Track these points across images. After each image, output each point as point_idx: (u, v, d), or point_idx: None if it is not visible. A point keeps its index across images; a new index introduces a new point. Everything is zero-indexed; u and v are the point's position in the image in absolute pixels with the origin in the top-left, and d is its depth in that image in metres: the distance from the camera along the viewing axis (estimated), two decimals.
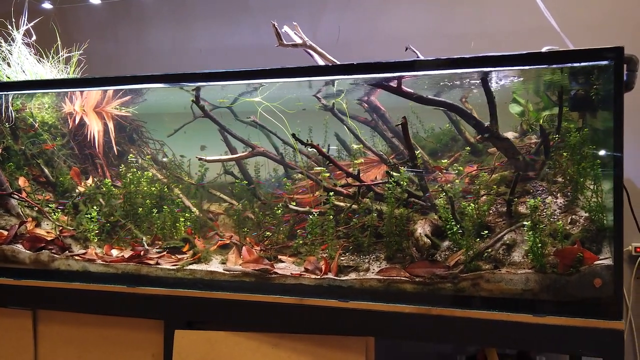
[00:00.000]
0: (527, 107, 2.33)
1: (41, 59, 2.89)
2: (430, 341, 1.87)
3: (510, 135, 2.35)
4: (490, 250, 1.84)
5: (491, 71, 1.95)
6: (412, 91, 1.99)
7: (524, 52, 1.81)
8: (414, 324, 1.82)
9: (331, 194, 2.08)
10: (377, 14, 3.36)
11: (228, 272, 2.06)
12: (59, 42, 2.92)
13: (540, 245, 1.74)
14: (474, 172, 2.19)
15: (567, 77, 2.09)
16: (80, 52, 2.92)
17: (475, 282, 1.79)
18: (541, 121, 2.30)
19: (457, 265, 1.85)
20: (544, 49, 1.98)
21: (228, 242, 2.32)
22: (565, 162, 1.95)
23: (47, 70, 2.88)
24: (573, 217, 1.87)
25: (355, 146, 2.36)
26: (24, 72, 2.83)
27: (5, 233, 2.34)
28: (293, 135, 2.05)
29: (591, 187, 1.85)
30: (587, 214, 1.84)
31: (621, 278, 1.66)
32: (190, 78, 2.19)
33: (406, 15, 3.30)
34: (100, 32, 3.61)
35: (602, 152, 1.87)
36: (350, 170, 2.16)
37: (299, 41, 2.22)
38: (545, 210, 1.88)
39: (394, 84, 1.99)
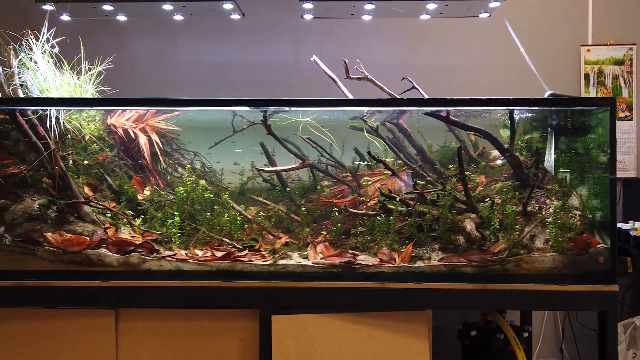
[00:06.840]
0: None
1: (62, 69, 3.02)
2: (484, 308, 2.50)
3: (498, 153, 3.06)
4: (523, 240, 2.51)
5: (515, 109, 2.64)
6: (457, 120, 2.60)
7: (545, 98, 2.51)
8: (473, 298, 2.44)
9: (397, 199, 2.61)
10: (354, 44, 3.93)
11: (317, 265, 2.50)
12: (82, 54, 3.06)
13: (561, 235, 2.46)
14: (487, 182, 2.86)
15: (549, 111, 2.85)
16: (109, 63, 3.08)
17: (517, 264, 2.45)
18: (520, 143, 3.04)
19: (500, 252, 2.49)
20: (547, 95, 2.71)
21: (287, 241, 2.73)
22: (564, 175, 2.69)
23: (67, 81, 3.01)
24: (573, 215, 2.62)
25: (388, 160, 2.90)
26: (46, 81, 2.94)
27: (88, 239, 2.51)
28: (368, 152, 2.56)
29: (587, 192, 2.61)
30: (583, 213, 2.59)
31: (616, 256, 2.43)
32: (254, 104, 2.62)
33: (378, 48, 3.94)
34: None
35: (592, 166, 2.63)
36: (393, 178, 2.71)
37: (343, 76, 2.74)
38: (560, 209, 2.59)
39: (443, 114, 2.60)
